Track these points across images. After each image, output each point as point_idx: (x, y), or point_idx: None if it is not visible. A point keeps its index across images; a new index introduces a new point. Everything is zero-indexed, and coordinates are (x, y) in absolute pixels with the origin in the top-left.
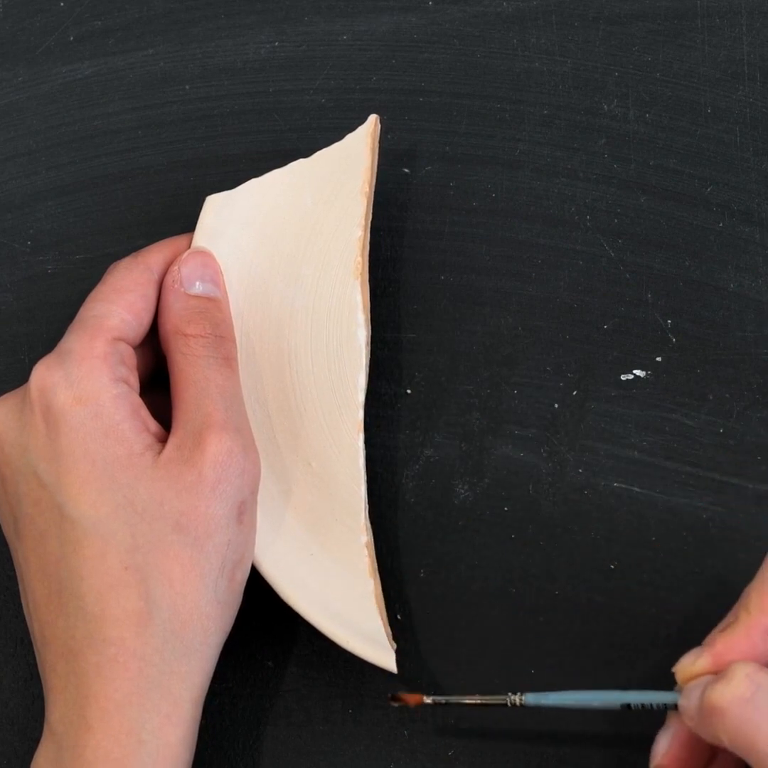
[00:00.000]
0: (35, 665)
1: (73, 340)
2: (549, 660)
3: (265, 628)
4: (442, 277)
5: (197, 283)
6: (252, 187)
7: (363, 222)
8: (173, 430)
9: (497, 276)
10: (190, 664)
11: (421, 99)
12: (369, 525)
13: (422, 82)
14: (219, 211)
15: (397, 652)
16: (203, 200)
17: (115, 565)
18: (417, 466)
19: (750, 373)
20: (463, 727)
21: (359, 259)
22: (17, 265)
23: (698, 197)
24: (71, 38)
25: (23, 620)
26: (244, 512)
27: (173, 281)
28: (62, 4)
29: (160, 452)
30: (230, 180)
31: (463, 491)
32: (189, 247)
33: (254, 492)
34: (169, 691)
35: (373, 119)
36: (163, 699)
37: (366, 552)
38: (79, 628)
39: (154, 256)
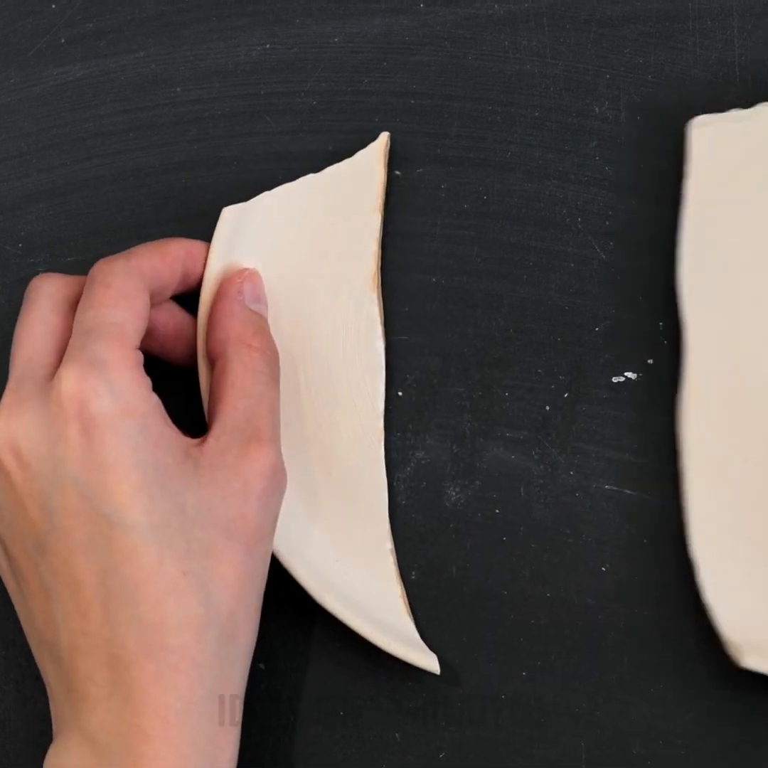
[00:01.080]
0: (27, 668)
1: (102, 349)
2: (540, 662)
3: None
4: (433, 279)
5: (254, 302)
6: (265, 200)
7: (378, 236)
8: (214, 436)
9: (488, 278)
10: (240, 669)
11: (412, 101)
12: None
13: (413, 85)
14: (234, 224)
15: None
16: (194, 202)
17: (174, 571)
18: (408, 469)
19: None
20: (455, 730)
21: (375, 272)
22: (9, 268)
23: None
24: (62, 40)
25: (14, 622)
26: (276, 527)
27: (238, 292)
28: (53, 6)
29: (197, 458)
30: (222, 182)
31: (454, 493)
32: (177, 253)
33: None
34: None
35: (384, 137)
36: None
37: (391, 558)
38: (131, 637)
39: (145, 262)
